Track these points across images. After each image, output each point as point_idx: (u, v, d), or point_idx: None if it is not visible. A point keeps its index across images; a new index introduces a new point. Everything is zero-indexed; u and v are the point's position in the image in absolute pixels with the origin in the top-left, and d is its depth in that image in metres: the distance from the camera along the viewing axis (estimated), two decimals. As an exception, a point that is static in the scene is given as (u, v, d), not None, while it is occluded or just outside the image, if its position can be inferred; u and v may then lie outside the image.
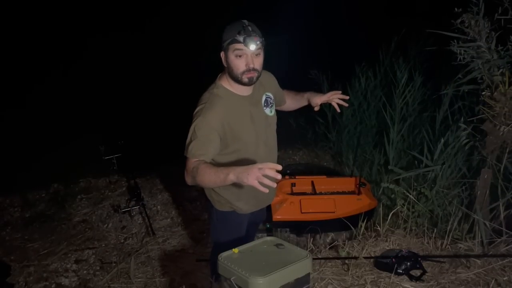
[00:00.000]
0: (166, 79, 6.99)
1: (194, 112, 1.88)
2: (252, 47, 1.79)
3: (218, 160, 1.92)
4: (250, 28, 1.79)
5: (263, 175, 1.49)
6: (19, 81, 6.76)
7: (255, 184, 1.49)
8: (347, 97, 2.23)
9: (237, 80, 1.87)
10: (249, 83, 1.88)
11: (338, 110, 2.29)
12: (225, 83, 1.94)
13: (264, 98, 2.05)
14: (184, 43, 7.66)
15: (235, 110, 1.91)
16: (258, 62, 1.85)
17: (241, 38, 1.77)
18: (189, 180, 1.81)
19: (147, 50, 7.44)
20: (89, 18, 7.56)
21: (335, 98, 2.23)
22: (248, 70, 1.84)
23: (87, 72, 6.87)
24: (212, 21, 7.47)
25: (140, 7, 7.87)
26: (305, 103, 2.32)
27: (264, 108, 2.05)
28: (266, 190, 1.53)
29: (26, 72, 6.84)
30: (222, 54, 1.87)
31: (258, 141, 2.00)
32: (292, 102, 2.32)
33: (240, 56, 1.81)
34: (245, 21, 1.81)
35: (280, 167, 1.51)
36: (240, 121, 1.92)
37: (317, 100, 2.24)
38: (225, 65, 1.89)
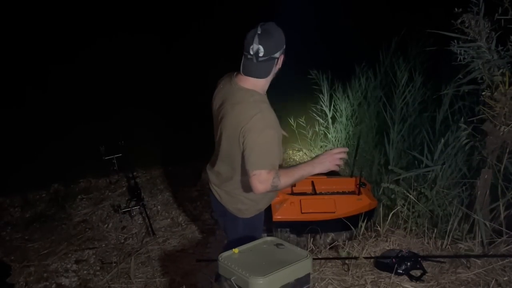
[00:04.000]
0: (166, 80, 6.99)
1: (251, 125, 1.84)
2: None
3: None
4: None
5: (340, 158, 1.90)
6: (19, 80, 6.76)
7: (335, 168, 1.91)
8: None
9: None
10: None
11: None
12: (255, 87, 1.95)
13: None
14: (184, 44, 7.66)
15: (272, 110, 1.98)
16: None
17: None
18: (266, 190, 1.86)
19: (147, 50, 7.44)
20: (91, 16, 7.57)
21: None
22: None
23: (88, 71, 6.86)
24: (212, 22, 7.50)
25: (142, 7, 7.88)
26: None
27: None
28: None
29: (26, 71, 6.84)
30: (281, 57, 1.93)
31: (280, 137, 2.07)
32: None
33: None
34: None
35: (347, 149, 1.97)
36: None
37: None
38: (277, 68, 1.95)
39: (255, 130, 1.84)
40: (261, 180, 1.83)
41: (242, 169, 1.96)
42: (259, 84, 1.94)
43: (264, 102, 1.94)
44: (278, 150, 1.92)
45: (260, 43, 1.81)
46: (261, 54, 1.82)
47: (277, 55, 1.86)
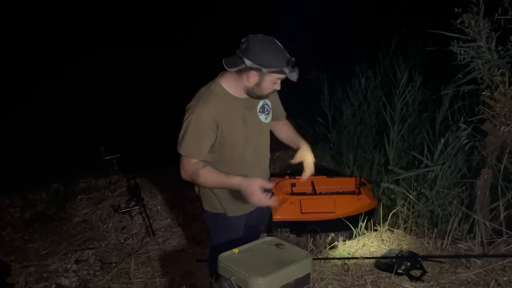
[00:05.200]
0: (165, 79, 7.00)
1: (188, 106, 1.89)
2: (295, 77, 1.82)
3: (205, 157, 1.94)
4: (293, 60, 1.81)
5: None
6: (18, 80, 6.76)
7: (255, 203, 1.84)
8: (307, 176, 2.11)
9: (254, 96, 1.91)
10: (261, 98, 1.96)
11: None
12: (225, 83, 1.91)
13: (261, 104, 2.03)
14: (184, 43, 7.67)
15: (228, 110, 1.90)
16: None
17: (287, 70, 1.79)
18: (186, 178, 1.90)
19: (147, 49, 7.45)
20: (89, 20, 7.57)
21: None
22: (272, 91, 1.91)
23: (87, 71, 6.87)
24: (213, 22, 7.50)
25: (141, 9, 7.89)
26: (293, 146, 2.20)
27: (259, 114, 2.03)
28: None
29: (25, 72, 6.84)
30: (254, 73, 1.81)
31: (246, 145, 1.98)
32: (284, 135, 2.24)
33: (276, 83, 1.87)
34: (283, 48, 1.81)
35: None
36: (231, 122, 1.91)
37: (298, 157, 2.12)
38: (250, 82, 1.84)
39: (187, 111, 1.86)
40: (182, 165, 1.88)
41: None
42: (226, 78, 1.91)
43: (213, 94, 1.87)
44: (195, 141, 1.84)
45: (247, 39, 1.80)
46: (241, 48, 1.80)
47: (247, 62, 1.76)
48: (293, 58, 1.82)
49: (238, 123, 1.94)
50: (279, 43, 1.81)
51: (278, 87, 1.90)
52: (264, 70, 1.78)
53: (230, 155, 1.95)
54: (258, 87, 1.85)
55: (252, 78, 1.82)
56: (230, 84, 1.91)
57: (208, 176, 1.86)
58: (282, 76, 1.83)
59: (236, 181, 1.84)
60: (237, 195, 1.95)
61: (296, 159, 2.10)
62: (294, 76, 1.81)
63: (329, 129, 5.01)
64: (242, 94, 1.93)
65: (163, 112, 6.19)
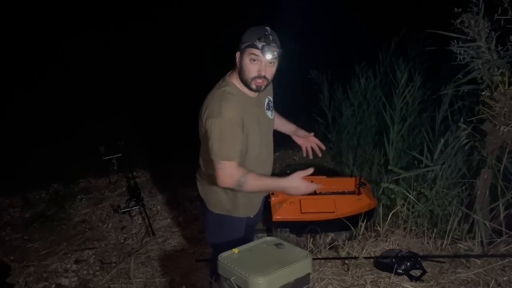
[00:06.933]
0: (165, 79, 7.00)
1: (209, 112, 1.83)
2: (269, 56, 1.80)
3: None
4: (270, 37, 1.80)
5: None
6: (18, 79, 6.76)
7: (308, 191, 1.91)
8: (324, 148, 2.37)
9: (245, 83, 1.88)
10: (257, 90, 1.90)
11: (311, 157, 2.36)
12: (236, 82, 1.92)
13: (266, 101, 2.06)
14: (185, 43, 7.66)
15: (246, 109, 1.91)
16: (270, 72, 1.87)
17: (259, 45, 1.78)
18: (230, 185, 1.85)
19: (147, 50, 7.44)
20: (91, 13, 7.57)
21: (313, 144, 2.35)
22: (259, 77, 1.84)
23: (88, 71, 6.87)
24: (211, 20, 7.50)
25: (145, 5, 7.88)
26: (287, 131, 2.39)
27: (267, 111, 2.06)
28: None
29: (26, 71, 6.84)
30: (237, 54, 1.87)
31: (261, 143, 2.01)
32: (284, 128, 2.36)
33: (254, 61, 1.82)
34: (268, 28, 1.82)
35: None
36: (250, 121, 1.92)
37: (299, 139, 2.38)
38: (238, 66, 1.88)
39: (211, 117, 1.81)
40: (226, 171, 1.82)
41: (203, 154, 1.96)
42: (236, 76, 1.92)
43: (231, 94, 1.86)
44: (231, 144, 1.83)
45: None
46: None
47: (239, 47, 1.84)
48: (270, 35, 1.80)
49: (254, 122, 1.94)
50: (267, 28, 1.82)
51: (260, 69, 1.83)
52: (241, 47, 1.82)
53: (249, 154, 1.95)
54: (241, 70, 1.86)
55: (237, 60, 1.86)
56: (240, 83, 1.92)
57: (254, 182, 1.84)
58: (256, 51, 1.79)
59: (279, 183, 1.87)
60: (255, 196, 2.02)
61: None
62: (266, 53, 1.78)
63: (329, 129, 5.01)
64: (252, 93, 1.94)
65: (163, 113, 6.20)
